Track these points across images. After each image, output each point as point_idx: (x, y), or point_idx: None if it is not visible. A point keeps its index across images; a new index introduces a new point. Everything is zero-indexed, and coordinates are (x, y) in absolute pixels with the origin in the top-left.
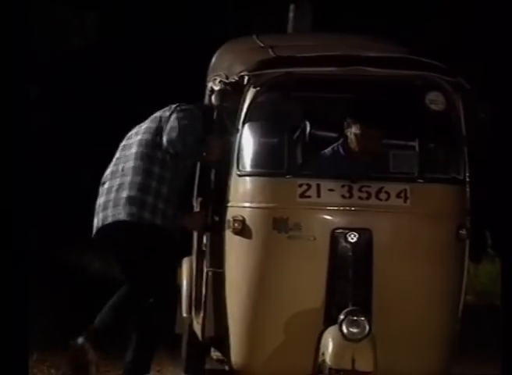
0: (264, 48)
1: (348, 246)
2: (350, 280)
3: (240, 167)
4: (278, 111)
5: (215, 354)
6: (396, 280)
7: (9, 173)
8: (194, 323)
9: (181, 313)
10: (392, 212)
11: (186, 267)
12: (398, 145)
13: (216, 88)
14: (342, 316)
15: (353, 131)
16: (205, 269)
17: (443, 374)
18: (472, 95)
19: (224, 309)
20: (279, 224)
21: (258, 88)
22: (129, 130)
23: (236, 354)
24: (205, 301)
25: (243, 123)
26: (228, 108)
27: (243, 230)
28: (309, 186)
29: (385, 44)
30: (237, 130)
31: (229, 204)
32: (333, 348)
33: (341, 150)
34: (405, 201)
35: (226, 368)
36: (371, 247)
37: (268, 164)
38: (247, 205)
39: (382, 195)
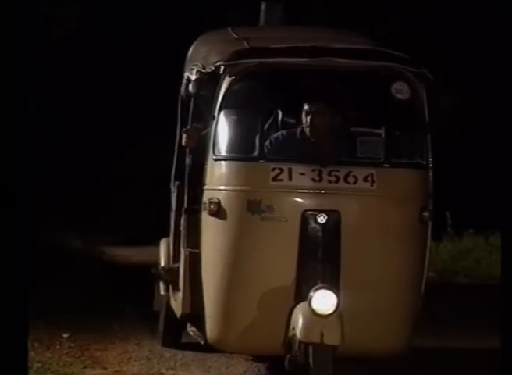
0: (238, 40)
1: (318, 227)
2: (320, 259)
3: (216, 152)
4: (252, 99)
5: (190, 329)
6: (362, 259)
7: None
8: (171, 300)
9: (159, 291)
10: (360, 194)
11: (163, 247)
12: (365, 132)
13: (193, 78)
14: (311, 293)
15: (305, 117)
16: (182, 250)
17: (406, 347)
18: (436, 85)
19: (200, 287)
20: (252, 206)
21: (233, 77)
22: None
23: (210, 329)
24: (183, 280)
25: (219, 111)
26: (204, 96)
27: (218, 212)
28: (281, 170)
29: (352, 37)
30: (213, 117)
31: (205, 187)
32: (303, 323)
33: (298, 135)
34: (372, 185)
35: (202, 342)
36: (339, 227)
37: (243, 149)
38: (222, 188)
39: (350, 179)
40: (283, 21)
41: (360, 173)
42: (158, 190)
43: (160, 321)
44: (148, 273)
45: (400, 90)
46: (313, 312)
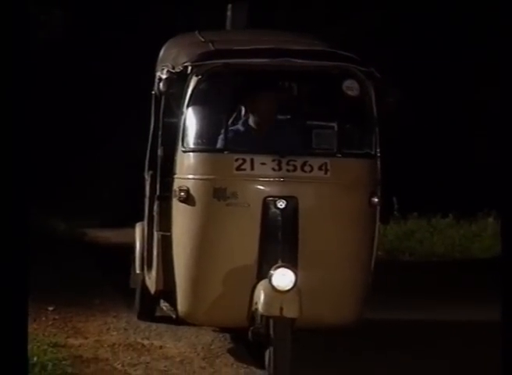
0: (204, 43)
1: (277, 211)
2: (279, 241)
3: (185, 144)
4: (216, 96)
5: (163, 305)
6: (318, 240)
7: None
8: (146, 278)
9: (135, 270)
10: (315, 182)
11: (138, 230)
12: (320, 125)
13: (163, 77)
14: (272, 271)
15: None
16: (155, 233)
17: (357, 319)
18: (383, 83)
19: (171, 267)
20: (218, 193)
21: (200, 77)
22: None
23: (181, 304)
24: (156, 260)
25: (187, 107)
26: (174, 94)
27: (187, 199)
28: (244, 160)
29: (308, 39)
30: (182, 112)
31: (176, 176)
32: (264, 298)
33: (241, 127)
34: (326, 173)
35: (173, 316)
36: (296, 212)
37: (209, 142)
38: (190, 176)
39: (307, 168)
40: (248, 23)
41: (316, 162)
42: (135, 177)
43: (136, 297)
44: (125, 253)
45: (351, 87)
46: (273, 288)
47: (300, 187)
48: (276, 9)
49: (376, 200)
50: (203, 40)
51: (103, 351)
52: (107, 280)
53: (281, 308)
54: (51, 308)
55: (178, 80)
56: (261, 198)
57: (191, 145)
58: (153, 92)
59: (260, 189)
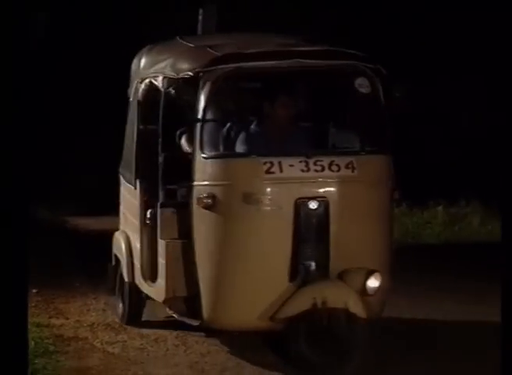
0: (200, 48)
1: (309, 213)
2: (312, 242)
3: (205, 151)
4: (232, 101)
5: (172, 312)
6: (348, 239)
7: None
8: (144, 287)
9: (120, 278)
10: (343, 181)
11: (121, 239)
12: (338, 124)
13: (161, 84)
14: (364, 275)
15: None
16: (160, 240)
17: (382, 310)
18: (389, 78)
19: (193, 273)
20: (248, 198)
21: (214, 82)
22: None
23: (209, 310)
24: (166, 268)
25: (204, 113)
26: (187, 100)
27: (213, 205)
28: (272, 163)
29: (297, 39)
30: (197, 119)
31: (195, 183)
32: (352, 298)
33: (261, 131)
34: (353, 171)
35: (194, 323)
36: (328, 212)
37: (231, 147)
38: (217, 183)
39: (334, 167)
40: (216, 29)
41: (342, 161)
42: (112, 165)
43: (121, 304)
44: (104, 239)
45: (362, 84)
46: (363, 291)
47: (330, 186)
48: (242, 12)
49: (397, 195)
50: (193, 45)
51: (83, 331)
52: (87, 265)
53: (366, 310)
54: (34, 291)
55: (185, 86)
56: (292, 200)
57: (213, 152)
58: (133, 99)
59: (291, 191)
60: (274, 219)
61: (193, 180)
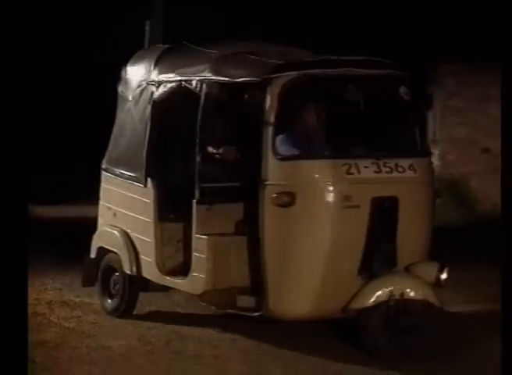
0: (242, 55)
1: (382, 211)
2: (382, 238)
3: (281, 152)
4: (299, 105)
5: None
6: (410, 235)
7: None
8: (165, 280)
9: (120, 271)
10: (408, 181)
11: (118, 234)
12: (395, 128)
13: (198, 88)
14: (438, 268)
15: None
16: (199, 236)
17: None
18: (419, 85)
19: (263, 266)
20: (333, 197)
21: (283, 87)
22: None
23: (276, 302)
24: (208, 262)
25: (276, 117)
26: (258, 104)
27: (291, 204)
28: (350, 165)
29: (296, 50)
30: (267, 122)
31: (269, 183)
32: (427, 289)
33: (327, 133)
34: (415, 173)
35: (254, 314)
36: (397, 210)
37: (306, 149)
38: (298, 183)
39: (400, 169)
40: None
41: (405, 163)
42: (71, 154)
43: (119, 296)
44: (61, 226)
45: (405, 92)
46: (438, 283)
47: (398, 187)
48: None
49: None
50: (223, 51)
51: (41, 308)
52: (45, 248)
53: (440, 300)
54: None
55: (256, 90)
56: (368, 198)
57: (287, 153)
58: (140, 101)
59: (367, 191)
60: (353, 217)
61: (264, 180)
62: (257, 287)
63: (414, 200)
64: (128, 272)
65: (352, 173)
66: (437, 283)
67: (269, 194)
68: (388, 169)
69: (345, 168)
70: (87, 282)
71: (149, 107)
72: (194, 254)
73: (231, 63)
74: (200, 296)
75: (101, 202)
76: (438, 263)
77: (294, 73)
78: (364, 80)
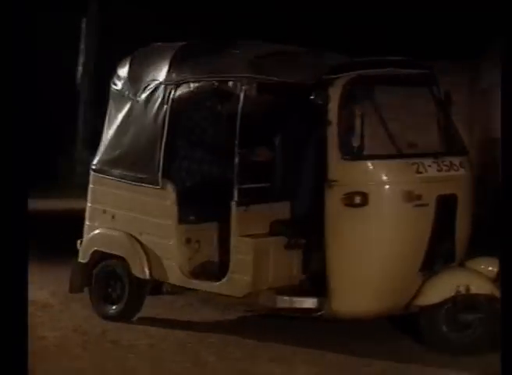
0: (289, 55)
1: (445, 208)
2: (445, 233)
3: (348, 152)
4: (360, 105)
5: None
6: (464, 229)
7: None
8: (191, 283)
9: (130, 274)
10: (462, 179)
11: (125, 238)
12: (441, 127)
13: (238, 88)
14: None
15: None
16: (239, 238)
17: None
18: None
19: (328, 266)
20: (406, 196)
21: (345, 86)
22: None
23: (340, 301)
24: (251, 263)
25: (339, 116)
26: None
27: (363, 204)
28: (417, 164)
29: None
30: (329, 122)
31: (337, 183)
32: (487, 282)
33: (388, 132)
34: (465, 170)
35: (314, 314)
36: (456, 207)
37: (374, 148)
38: (371, 182)
39: (455, 167)
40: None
41: (456, 161)
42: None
43: (124, 300)
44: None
45: (438, 90)
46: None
47: (456, 184)
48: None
49: None
50: (247, 53)
51: None
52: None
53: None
54: None
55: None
56: (434, 196)
57: (355, 153)
58: (151, 102)
59: (433, 189)
60: (422, 215)
61: (332, 180)
62: (299, 287)
63: (466, 196)
64: (139, 275)
65: (421, 172)
66: (496, 279)
67: (338, 194)
68: (446, 168)
69: (414, 167)
70: (75, 288)
71: (166, 107)
72: (236, 256)
73: (278, 64)
74: (241, 298)
75: (92, 205)
76: (497, 259)
77: (354, 73)
78: (407, 80)
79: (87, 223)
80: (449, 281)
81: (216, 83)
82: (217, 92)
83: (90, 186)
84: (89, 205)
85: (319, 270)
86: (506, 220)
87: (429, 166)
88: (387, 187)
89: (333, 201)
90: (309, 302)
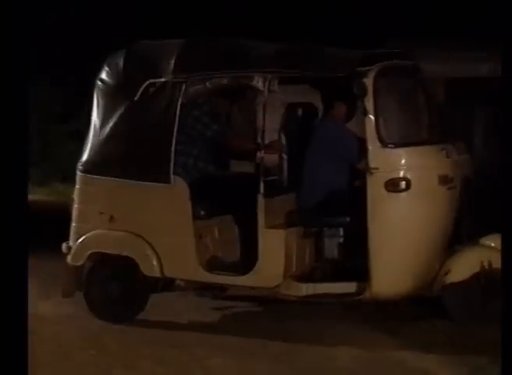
0: (313, 48)
1: (468, 189)
2: (467, 212)
3: (387, 140)
4: (394, 93)
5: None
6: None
7: None
8: (213, 277)
9: (137, 272)
10: (469, 162)
11: (131, 238)
12: (438, 115)
13: (261, 84)
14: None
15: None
16: (265, 230)
17: None
18: None
19: (370, 251)
20: (442, 180)
21: (378, 76)
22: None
23: (381, 284)
24: (275, 253)
25: (375, 106)
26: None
27: (406, 189)
28: (445, 150)
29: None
30: (366, 111)
31: (379, 170)
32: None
33: (413, 120)
34: (465, 155)
35: (355, 298)
36: (468, 188)
37: (409, 136)
38: (412, 168)
39: (460, 152)
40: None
41: (458, 147)
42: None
43: (133, 299)
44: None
45: (425, 81)
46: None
47: (468, 167)
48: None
49: None
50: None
51: None
52: None
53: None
54: None
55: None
56: (460, 178)
57: (394, 141)
58: (158, 98)
59: (460, 171)
60: (453, 197)
61: (373, 168)
62: (313, 273)
63: (471, 178)
64: (150, 274)
65: (450, 157)
66: None
67: (381, 180)
68: (459, 152)
69: (444, 152)
70: (69, 292)
71: (175, 104)
72: (265, 247)
73: (300, 58)
74: (272, 289)
75: (82, 206)
76: None
77: (386, 63)
78: (418, 71)
79: (74, 224)
80: (474, 258)
81: (235, 79)
82: (232, 88)
83: (79, 187)
84: (77, 206)
85: (344, 256)
86: (506, 220)
87: (451, 151)
88: (426, 172)
89: (375, 187)
90: (349, 286)
